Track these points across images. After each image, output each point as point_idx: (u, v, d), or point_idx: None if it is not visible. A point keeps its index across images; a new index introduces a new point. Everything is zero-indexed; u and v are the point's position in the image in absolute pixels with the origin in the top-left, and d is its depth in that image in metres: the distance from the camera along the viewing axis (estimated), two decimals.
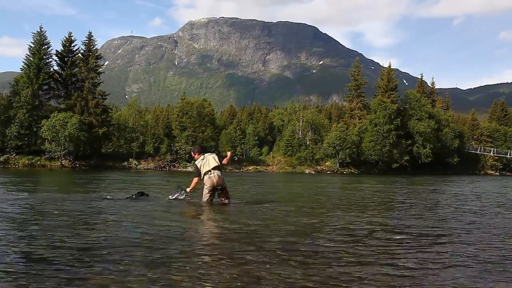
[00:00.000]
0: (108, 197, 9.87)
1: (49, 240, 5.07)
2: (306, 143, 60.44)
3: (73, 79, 47.22)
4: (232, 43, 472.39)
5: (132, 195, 9.59)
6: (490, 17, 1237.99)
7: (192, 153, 9.29)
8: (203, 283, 3.47)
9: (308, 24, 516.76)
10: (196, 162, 8.84)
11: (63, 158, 41.75)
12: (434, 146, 58.21)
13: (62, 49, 46.88)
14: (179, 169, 47.27)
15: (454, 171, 59.14)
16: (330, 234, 5.88)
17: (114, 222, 6.55)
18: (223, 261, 4.23)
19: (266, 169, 54.23)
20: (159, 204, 9.05)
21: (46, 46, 45.42)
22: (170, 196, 9.39)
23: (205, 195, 8.74)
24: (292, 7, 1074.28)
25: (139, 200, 9.39)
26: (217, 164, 8.71)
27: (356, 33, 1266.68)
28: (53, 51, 46.27)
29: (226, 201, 8.92)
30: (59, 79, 46.82)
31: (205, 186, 8.73)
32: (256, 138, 71.28)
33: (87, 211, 7.74)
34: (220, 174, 8.70)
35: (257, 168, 53.71)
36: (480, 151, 65.47)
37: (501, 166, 68.77)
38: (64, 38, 47.22)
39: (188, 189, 9.05)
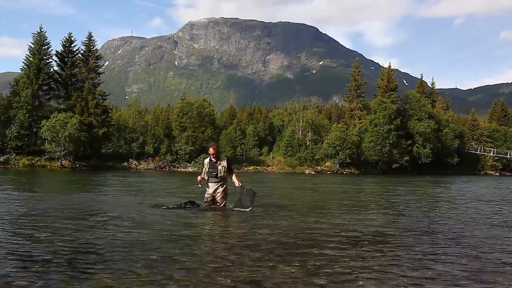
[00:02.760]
0: (164, 206, 8.69)
1: (57, 240, 5.08)
2: (306, 144, 60.40)
3: (73, 80, 47.21)
4: (232, 44, 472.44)
5: (181, 203, 8.70)
6: (491, 17, 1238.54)
7: (220, 152, 8.54)
8: (204, 283, 3.47)
9: (308, 24, 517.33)
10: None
11: (63, 159, 41.73)
12: (434, 146, 58.20)
13: (62, 49, 46.88)
14: (179, 170, 47.28)
15: (454, 172, 59.11)
16: (329, 235, 5.88)
17: (116, 224, 6.56)
18: (224, 262, 4.23)
19: (266, 170, 54.22)
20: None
21: (46, 47, 45.42)
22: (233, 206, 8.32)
23: (225, 200, 8.37)
24: (292, 8, 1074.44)
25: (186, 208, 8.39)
26: None
27: (356, 33, 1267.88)
28: (53, 52, 46.36)
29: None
30: (59, 79, 46.81)
31: (226, 191, 8.36)
32: (256, 138, 71.21)
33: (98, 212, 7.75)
34: None
35: (257, 169, 53.69)
36: (480, 151, 65.43)
37: (501, 167, 68.69)
38: (64, 38, 47.26)
39: (238, 184, 8.25)
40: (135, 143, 51.21)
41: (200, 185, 8.43)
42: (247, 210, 8.11)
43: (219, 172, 8.15)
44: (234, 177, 8.34)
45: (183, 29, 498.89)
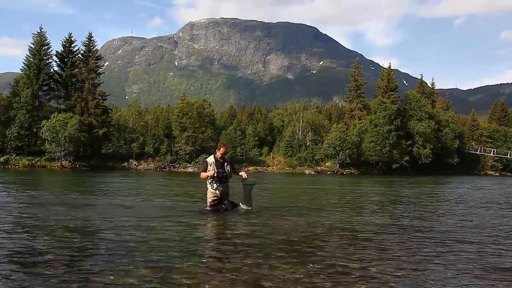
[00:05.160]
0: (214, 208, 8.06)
1: (57, 241, 5.08)
2: (306, 144, 60.41)
3: (73, 80, 47.19)
4: (232, 44, 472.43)
5: (223, 206, 8.15)
6: (492, 17, 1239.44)
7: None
8: (204, 283, 3.48)
9: (308, 24, 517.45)
10: None
11: (63, 159, 41.73)
12: (434, 146, 58.19)
13: (62, 49, 46.85)
14: (179, 170, 47.26)
15: (454, 172, 59.11)
16: (329, 235, 5.89)
17: (116, 225, 6.57)
18: (224, 262, 4.24)
19: (266, 170, 54.20)
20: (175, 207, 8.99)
21: (46, 47, 45.41)
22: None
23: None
24: (292, 8, 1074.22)
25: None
26: None
27: (356, 33, 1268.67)
28: (53, 52, 46.34)
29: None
30: (59, 79, 46.80)
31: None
32: (256, 138, 71.22)
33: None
34: None
35: (257, 169, 53.68)
36: (480, 151, 65.42)
37: (501, 167, 68.66)
38: (64, 38, 47.24)
39: (245, 175, 8.19)
40: (135, 143, 51.19)
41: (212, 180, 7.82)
42: (248, 208, 8.06)
43: (228, 173, 7.92)
44: (241, 172, 8.24)
45: (183, 29, 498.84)
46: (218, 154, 7.91)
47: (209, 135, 53.51)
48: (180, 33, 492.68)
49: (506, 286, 3.65)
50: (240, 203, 8.22)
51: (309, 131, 62.06)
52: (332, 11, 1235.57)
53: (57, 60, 46.74)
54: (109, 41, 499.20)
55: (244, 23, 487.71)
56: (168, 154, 51.35)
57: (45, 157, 41.60)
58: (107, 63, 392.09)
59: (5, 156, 39.81)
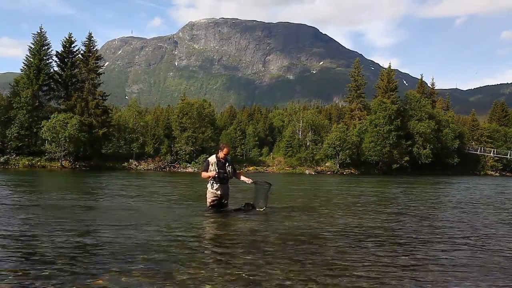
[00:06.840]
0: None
1: (57, 241, 5.08)
2: (306, 144, 60.42)
3: (73, 80, 47.20)
4: (232, 44, 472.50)
5: (240, 206, 8.20)
6: (492, 17, 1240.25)
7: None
8: (204, 283, 3.47)
9: (308, 24, 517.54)
10: None
11: (63, 159, 41.74)
12: (434, 146, 58.22)
13: (62, 50, 46.84)
14: (179, 170, 47.27)
15: (454, 172, 59.11)
16: (329, 235, 5.89)
17: (117, 225, 6.57)
18: (224, 262, 4.23)
19: (266, 170, 54.21)
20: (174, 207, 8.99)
21: (46, 47, 45.42)
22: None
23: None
24: (292, 8, 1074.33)
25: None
26: None
27: (356, 33, 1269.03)
28: (53, 52, 46.35)
29: None
30: (59, 80, 46.81)
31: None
32: (256, 138, 71.27)
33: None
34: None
35: (257, 169, 53.69)
36: (480, 151, 65.44)
37: (501, 167, 68.71)
38: (64, 39, 47.24)
39: (249, 181, 8.12)
40: (135, 143, 51.17)
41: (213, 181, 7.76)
42: (261, 209, 8.03)
43: (229, 173, 7.86)
44: (242, 177, 8.19)
45: (183, 29, 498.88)
46: (221, 154, 7.81)
47: (209, 135, 53.52)
48: (180, 33, 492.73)
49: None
50: (254, 204, 8.20)
51: (309, 131, 62.06)
52: (332, 11, 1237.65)
53: (57, 60, 46.75)
54: (109, 41, 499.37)
55: (244, 23, 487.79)
56: (168, 154, 51.35)
57: (45, 157, 41.62)
58: (107, 63, 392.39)
59: (5, 156, 39.82)
